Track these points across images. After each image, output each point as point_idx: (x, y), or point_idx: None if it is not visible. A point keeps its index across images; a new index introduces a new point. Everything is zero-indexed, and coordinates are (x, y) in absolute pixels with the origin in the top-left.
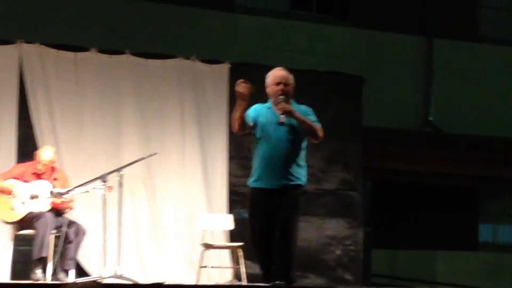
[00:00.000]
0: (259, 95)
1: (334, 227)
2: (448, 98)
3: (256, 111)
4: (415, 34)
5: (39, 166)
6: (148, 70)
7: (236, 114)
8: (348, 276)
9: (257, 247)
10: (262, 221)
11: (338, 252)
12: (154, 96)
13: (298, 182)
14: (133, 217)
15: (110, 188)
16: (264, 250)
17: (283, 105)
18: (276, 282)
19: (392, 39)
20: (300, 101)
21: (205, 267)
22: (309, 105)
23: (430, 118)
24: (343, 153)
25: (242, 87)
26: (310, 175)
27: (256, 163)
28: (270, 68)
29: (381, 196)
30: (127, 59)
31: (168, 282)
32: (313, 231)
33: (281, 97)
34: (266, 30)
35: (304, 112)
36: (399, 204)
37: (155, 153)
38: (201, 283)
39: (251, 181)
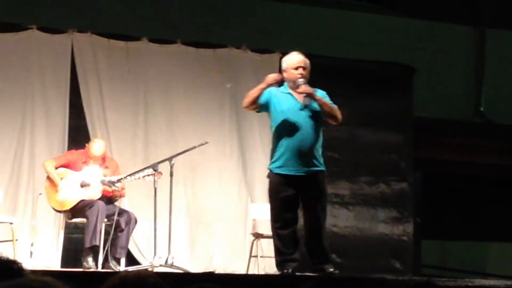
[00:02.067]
0: (310, 85)
1: (385, 217)
2: (500, 88)
3: (270, 94)
4: (466, 24)
5: (91, 162)
6: (199, 60)
7: (254, 94)
8: (398, 266)
9: (278, 233)
10: (286, 207)
11: (389, 242)
12: (204, 85)
13: (322, 168)
14: (184, 206)
15: (159, 174)
16: (285, 236)
17: (304, 87)
18: (331, 270)
19: (443, 29)
20: (352, 91)
21: (255, 256)
22: (359, 95)
23: (481, 109)
24: (394, 144)
25: (276, 78)
26: (362, 165)
27: (279, 149)
28: (321, 58)
29: (431, 186)
30: (177, 49)
31: (218, 271)
32: (366, 220)
33: (300, 80)
34: (316, 19)
35: (322, 95)
36: (450, 194)
37: (206, 142)
38: (251, 272)
39: (274, 167)
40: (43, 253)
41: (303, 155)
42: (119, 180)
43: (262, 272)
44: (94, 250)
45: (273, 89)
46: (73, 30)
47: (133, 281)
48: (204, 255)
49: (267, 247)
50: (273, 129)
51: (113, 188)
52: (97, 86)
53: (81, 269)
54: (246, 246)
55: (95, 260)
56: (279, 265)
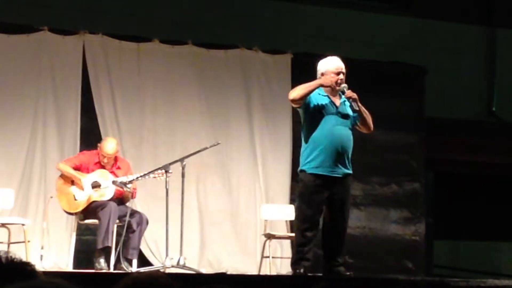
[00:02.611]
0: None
1: (397, 217)
2: (511, 88)
3: (313, 97)
4: (478, 24)
5: (104, 160)
6: (210, 60)
7: (309, 88)
8: (411, 266)
9: (304, 235)
10: (317, 208)
11: (401, 242)
12: (216, 86)
13: (351, 171)
14: (196, 207)
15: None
16: (310, 237)
17: (351, 92)
18: (348, 273)
19: (455, 28)
20: (363, 92)
21: (267, 257)
22: (372, 96)
23: (493, 109)
24: (405, 144)
25: (333, 81)
26: (374, 165)
27: (315, 150)
28: None
29: (443, 186)
30: (189, 49)
31: (230, 272)
32: (378, 221)
33: (344, 85)
34: (327, 20)
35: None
36: (462, 194)
37: (218, 143)
38: (262, 273)
39: (309, 167)
40: (55, 255)
41: (339, 157)
42: (130, 181)
43: (274, 273)
44: (106, 251)
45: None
46: (85, 32)
47: (145, 282)
48: (216, 256)
49: (279, 248)
50: (307, 129)
51: (125, 189)
52: (108, 87)
53: (93, 270)
54: (258, 247)
55: (107, 261)
56: (294, 262)
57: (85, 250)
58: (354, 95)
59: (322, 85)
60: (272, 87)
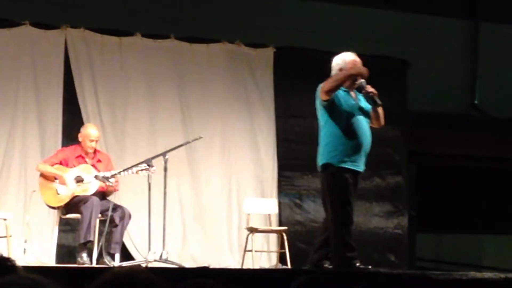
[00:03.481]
0: (304, 79)
1: (380, 210)
2: (494, 81)
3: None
4: (460, 18)
5: (88, 146)
6: (193, 54)
7: (341, 81)
8: (393, 260)
9: (347, 230)
10: (351, 203)
11: (383, 235)
12: (198, 80)
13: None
14: (178, 201)
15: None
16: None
17: (371, 88)
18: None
19: (438, 22)
20: None
21: (250, 251)
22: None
23: (476, 102)
24: (388, 138)
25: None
26: None
27: (340, 144)
28: (314, 52)
29: (426, 180)
30: (171, 43)
31: (213, 266)
32: (361, 214)
33: (363, 80)
34: (310, 14)
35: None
36: (444, 188)
37: (200, 137)
38: (245, 267)
39: (338, 160)
40: (37, 249)
41: (363, 152)
42: (113, 176)
43: (256, 267)
44: (88, 246)
45: None
46: (67, 26)
47: (126, 276)
48: (199, 250)
49: (262, 241)
50: (331, 124)
51: (108, 183)
52: (91, 81)
53: (75, 265)
54: (241, 241)
55: (90, 255)
56: (352, 258)
57: (68, 245)
58: (375, 91)
59: (353, 75)
60: (255, 81)
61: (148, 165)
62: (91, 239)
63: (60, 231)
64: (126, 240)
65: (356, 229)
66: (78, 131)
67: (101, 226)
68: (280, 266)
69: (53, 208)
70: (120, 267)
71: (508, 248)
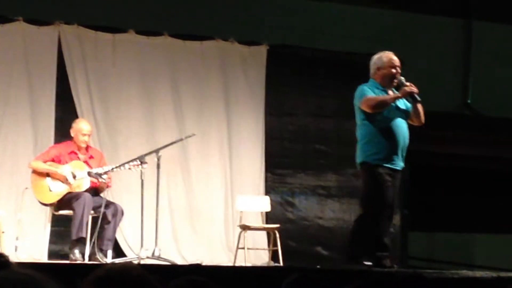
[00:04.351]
0: (297, 77)
1: None
2: (487, 81)
3: (373, 91)
4: (454, 17)
5: (80, 141)
6: (186, 52)
7: (390, 102)
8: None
9: (373, 227)
10: (384, 203)
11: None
12: (192, 77)
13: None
14: (171, 198)
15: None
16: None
17: (412, 86)
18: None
19: (430, 21)
20: (340, 84)
21: (242, 248)
22: (348, 88)
23: (469, 101)
24: None
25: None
26: (349, 157)
27: (379, 143)
28: (308, 50)
29: (419, 178)
30: (165, 41)
31: (205, 263)
32: (353, 213)
33: (402, 78)
34: (304, 12)
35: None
36: (437, 187)
37: (193, 134)
38: (237, 264)
39: (374, 158)
40: (29, 246)
41: (401, 151)
42: (106, 172)
43: (249, 264)
44: (80, 242)
45: (370, 87)
46: (60, 22)
47: (118, 273)
48: (191, 247)
49: (254, 239)
50: (367, 123)
51: (100, 180)
52: (84, 78)
53: (67, 261)
54: (233, 239)
55: (82, 252)
56: (383, 258)
57: (60, 241)
58: (415, 89)
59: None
60: (247, 78)
61: (141, 162)
62: (84, 235)
63: (53, 227)
64: (119, 237)
65: (348, 228)
66: (71, 128)
67: (93, 222)
68: (272, 263)
69: (46, 205)
70: (112, 263)
71: (501, 247)
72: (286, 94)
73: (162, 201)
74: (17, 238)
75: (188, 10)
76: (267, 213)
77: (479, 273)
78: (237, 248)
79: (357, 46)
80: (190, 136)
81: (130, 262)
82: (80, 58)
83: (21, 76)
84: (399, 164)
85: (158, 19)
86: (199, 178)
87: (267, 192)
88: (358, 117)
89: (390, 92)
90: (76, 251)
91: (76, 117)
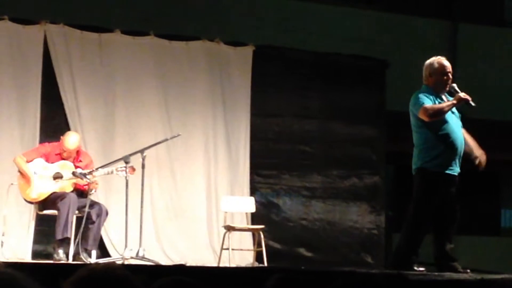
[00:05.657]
0: (283, 78)
1: (357, 210)
2: (471, 82)
3: (429, 98)
4: (439, 18)
5: (64, 154)
6: (172, 52)
7: (447, 109)
8: (370, 260)
9: (420, 231)
10: (434, 205)
11: (360, 235)
12: (177, 77)
13: None
14: (155, 198)
15: (132, 170)
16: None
17: (465, 95)
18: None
19: (417, 23)
20: (324, 85)
21: (226, 249)
22: (333, 89)
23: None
24: (366, 137)
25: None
26: (334, 158)
27: (437, 148)
28: (294, 51)
29: (404, 180)
30: (151, 41)
31: (189, 263)
32: (337, 214)
33: (454, 85)
34: (290, 13)
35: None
36: None
37: (179, 135)
38: (222, 265)
39: (432, 165)
40: (14, 243)
41: (458, 156)
42: (90, 173)
43: (233, 265)
44: (65, 242)
45: (425, 93)
46: (46, 21)
47: (101, 273)
48: (176, 248)
49: (238, 240)
50: (425, 129)
51: (85, 180)
52: (70, 77)
53: (52, 261)
54: (218, 239)
55: (66, 252)
56: (413, 262)
57: (44, 241)
58: (468, 97)
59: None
60: (233, 79)
61: (126, 162)
62: (68, 235)
63: (38, 227)
64: (103, 237)
65: (333, 229)
66: (56, 126)
67: (77, 222)
68: (256, 264)
69: (30, 202)
70: (96, 263)
71: (484, 249)
72: (272, 94)
73: (147, 202)
74: (3, 234)
75: (175, 10)
76: (252, 214)
77: (463, 276)
78: (222, 248)
79: (342, 47)
80: (175, 137)
81: (113, 262)
82: (66, 57)
83: (7, 75)
84: (456, 169)
85: (144, 19)
86: (184, 179)
87: (252, 193)
88: (415, 123)
89: (444, 98)
90: (61, 251)
91: (62, 115)
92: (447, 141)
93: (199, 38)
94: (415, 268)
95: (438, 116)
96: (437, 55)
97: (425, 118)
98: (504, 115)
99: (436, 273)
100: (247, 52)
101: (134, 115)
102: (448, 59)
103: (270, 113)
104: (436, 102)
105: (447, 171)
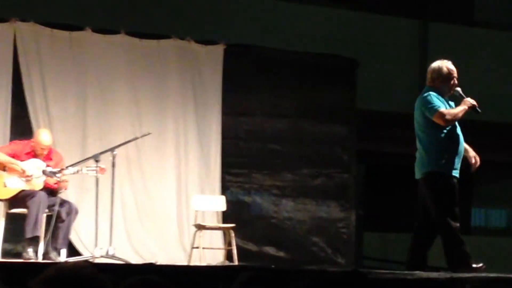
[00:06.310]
0: (254, 77)
1: (327, 209)
2: None
3: (439, 100)
4: (410, 17)
5: (38, 151)
6: (143, 50)
7: (460, 114)
8: (340, 259)
9: (458, 233)
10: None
11: (330, 234)
12: (148, 76)
13: None
14: (125, 197)
15: (103, 170)
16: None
17: (472, 100)
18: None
19: (387, 22)
20: (295, 84)
21: (197, 248)
22: (304, 88)
23: None
24: (337, 136)
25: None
26: (305, 157)
27: (446, 152)
28: (265, 50)
29: (374, 179)
30: (121, 39)
31: (160, 262)
32: (307, 213)
33: (459, 89)
34: (260, 11)
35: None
36: (393, 187)
37: (149, 133)
38: (192, 263)
39: (446, 168)
40: None
41: (461, 159)
42: (60, 171)
43: (204, 263)
44: (35, 241)
45: (436, 96)
46: (16, 19)
47: (69, 272)
48: (146, 247)
49: (209, 238)
50: (435, 132)
51: (55, 178)
52: (39, 76)
53: (21, 260)
54: (188, 238)
55: (36, 251)
56: (470, 256)
57: (13, 240)
58: (475, 102)
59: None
60: (204, 78)
61: (96, 161)
62: (38, 234)
63: (7, 225)
64: (73, 236)
65: (302, 228)
66: (26, 125)
67: (47, 221)
68: (227, 263)
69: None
70: (64, 262)
71: None
72: (243, 93)
73: (117, 200)
74: None
75: (145, 8)
76: (222, 212)
77: (433, 274)
78: (192, 247)
79: (313, 46)
80: (146, 135)
81: (81, 261)
82: (36, 55)
83: None
84: (458, 171)
85: (115, 17)
86: (154, 177)
87: (222, 192)
88: (424, 123)
89: (451, 102)
90: (30, 250)
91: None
92: (457, 143)
93: (170, 36)
94: (474, 266)
95: (454, 121)
96: (407, 54)
97: (441, 122)
98: (475, 114)
99: (406, 272)
100: (218, 50)
101: (105, 113)
102: (419, 58)
103: (241, 112)
104: (446, 104)
105: (455, 173)
